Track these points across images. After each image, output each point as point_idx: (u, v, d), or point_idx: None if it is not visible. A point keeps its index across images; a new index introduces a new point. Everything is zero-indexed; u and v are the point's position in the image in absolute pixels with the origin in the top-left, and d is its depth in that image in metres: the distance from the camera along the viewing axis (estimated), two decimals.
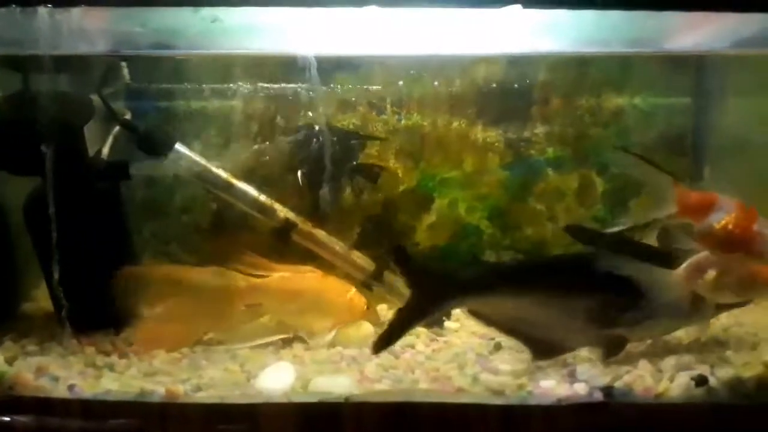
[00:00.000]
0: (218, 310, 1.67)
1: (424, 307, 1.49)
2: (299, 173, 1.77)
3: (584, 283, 1.50)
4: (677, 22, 1.55)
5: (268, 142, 1.91)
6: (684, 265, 1.47)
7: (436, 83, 1.96)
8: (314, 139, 1.77)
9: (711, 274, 1.45)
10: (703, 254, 1.46)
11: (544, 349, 1.51)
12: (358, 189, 1.81)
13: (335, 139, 1.78)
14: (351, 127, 1.93)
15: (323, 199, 1.72)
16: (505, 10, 1.38)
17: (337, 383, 1.45)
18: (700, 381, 1.41)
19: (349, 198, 1.87)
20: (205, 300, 1.67)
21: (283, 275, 1.71)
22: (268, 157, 1.89)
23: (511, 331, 1.54)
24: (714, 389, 1.40)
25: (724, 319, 1.73)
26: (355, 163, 1.79)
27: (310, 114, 1.88)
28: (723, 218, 1.41)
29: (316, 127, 1.79)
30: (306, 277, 1.73)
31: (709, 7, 1.39)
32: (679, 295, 1.48)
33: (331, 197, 1.72)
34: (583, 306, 1.49)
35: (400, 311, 1.49)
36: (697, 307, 1.53)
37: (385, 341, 1.48)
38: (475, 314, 1.56)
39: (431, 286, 1.49)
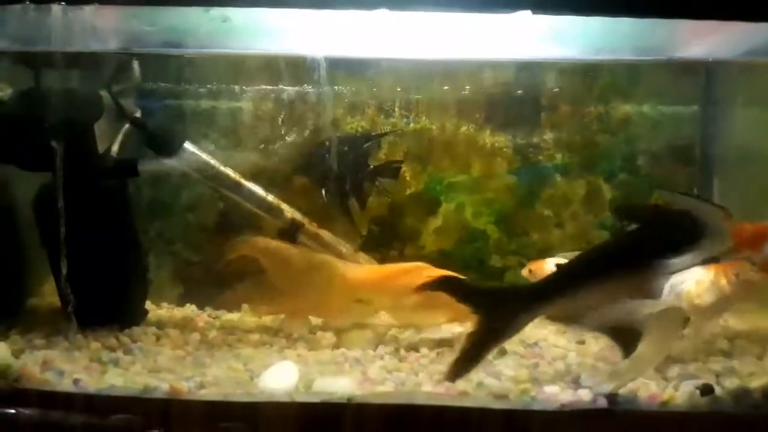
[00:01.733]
0: (326, 297, 1.66)
1: (497, 329, 1.41)
2: (323, 190, 1.76)
3: (635, 262, 1.44)
4: (687, 30, 1.55)
5: (282, 145, 1.91)
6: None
7: (445, 87, 1.97)
8: (327, 154, 1.77)
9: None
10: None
11: (628, 338, 1.43)
12: (384, 189, 1.80)
13: (347, 148, 1.78)
14: (360, 130, 1.93)
15: (353, 208, 1.73)
16: (514, 16, 1.39)
17: (340, 384, 1.45)
18: (706, 390, 1.40)
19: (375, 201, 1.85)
20: (313, 284, 1.66)
21: (393, 269, 1.69)
22: (282, 159, 1.90)
23: (594, 326, 1.47)
24: (719, 399, 1.39)
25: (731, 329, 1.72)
26: (371, 166, 1.78)
27: (319, 116, 1.89)
28: None
29: (327, 143, 1.79)
30: (418, 272, 1.66)
31: (717, 16, 1.39)
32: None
33: (359, 204, 1.72)
34: (639, 282, 1.43)
35: (471, 336, 1.40)
36: None
37: (461, 369, 1.40)
38: (555, 318, 1.51)
39: (496, 306, 1.41)
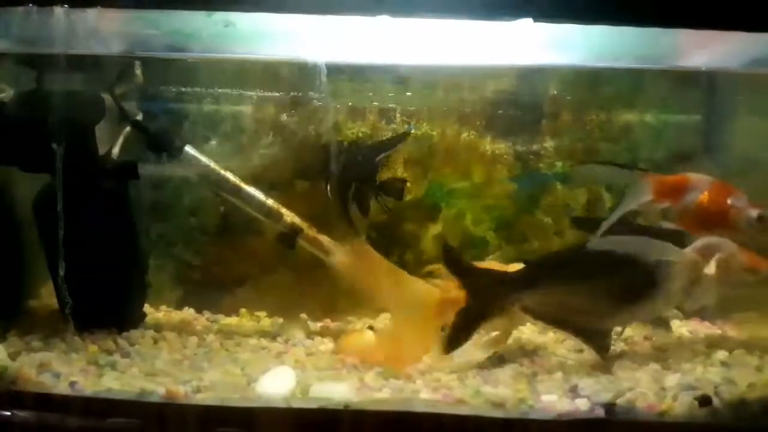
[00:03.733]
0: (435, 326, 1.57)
1: (482, 308, 1.50)
2: (328, 192, 1.74)
3: (620, 266, 1.50)
4: (689, 40, 1.55)
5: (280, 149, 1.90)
6: (695, 244, 1.48)
7: (446, 94, 1.97)
8: (337, 155, 1.76)
9: (719, 256, 1.46)
10: (708, 239, 1.47)
11: (601, 339, 1.52)
12: (384, 206, 1.79)
13: (360, 156, 1.77)
14: (365, 137, 1.92)
15: (356, 217, 1.72)
16: (516, 23, 1.39)
17: (336, 390, 1.44)
18: (704, 401, 1.40)
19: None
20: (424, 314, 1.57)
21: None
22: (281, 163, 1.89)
23: (567, 324, 1.55)
24: (718, 410, 1.38)
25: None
26: (377, 181, 1.76)
27: (320, 121, 1.89)
28: (698, 197, 1.45)
29: (332, 148, 1.79)
30: None
31: (718, 25, 1.39)
32: (690, 274, 1.48)
33: (362, 212, 1.72)
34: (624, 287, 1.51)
35: (460, 313, 1.49)
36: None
37: (451, 343, 1.49)
38: (531, 312, 1.54)
39: (485, 287, 1.50)
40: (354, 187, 1.71)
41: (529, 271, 1.55)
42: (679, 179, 1.51)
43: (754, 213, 1.47)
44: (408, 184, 1.84)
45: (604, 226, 1.56)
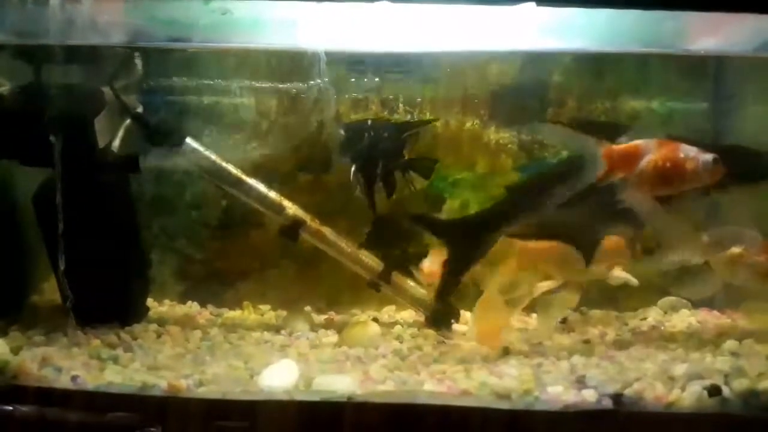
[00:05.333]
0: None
1: (466, 255, 1.60)
2: (352, 169, 1.72)
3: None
4: (695, 24, 1.52)
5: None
6: (711, 231, 1.49)
7: (449, 82, 1.94)
8: (365, 134, 1.74)
9: (734, 249, 1.48)
10: (731, 228, 1.45)
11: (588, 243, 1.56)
12: (411, 184, 1.78)
13: (386, 133, 1.75)
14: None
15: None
16: (518, 8, 1.36)
17: (340, 382, 1.43)
18: (713, 391, 1.37)
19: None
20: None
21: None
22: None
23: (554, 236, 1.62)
24: (727, 400, 1.36)
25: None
26: (406, 157, 1.74)
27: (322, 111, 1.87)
28: (651, 158, 1.48)
29: (368, 122, 1.76)
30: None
31: (726, 7, 1.36)
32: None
33: (387, 192, 1.71)
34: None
35: (446, 263, 1.60)
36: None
37: (443, 292, 1.65)
38: (517, 236, 1.64)
39: (462, 235, 1.60)
40: (381, 164, 1.70)
41: (494, 210, 1.64)
42: (629, 147, 1.51)
43: (708, 157, 1.48)
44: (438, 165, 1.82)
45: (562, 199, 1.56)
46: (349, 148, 1.73)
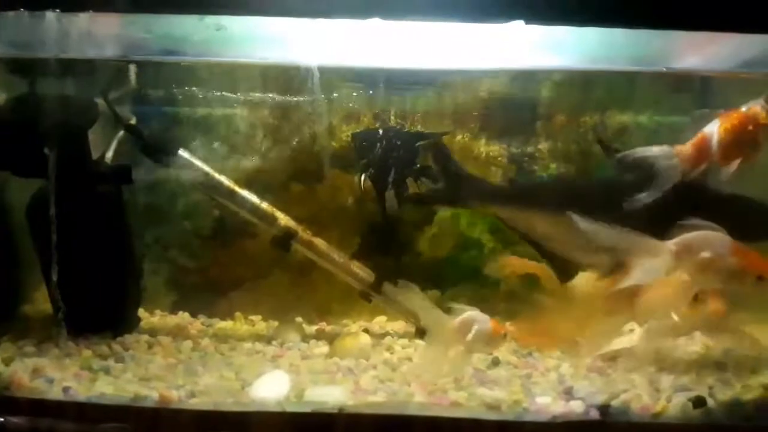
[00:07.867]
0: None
1: (453, 194, 1.74)
2: (362, 176, 1.77)
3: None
4: (681, 42, 1.55)
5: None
6: (676, 239, 1.45)
7: (439, 96, 1.96)
8: (378, 143, 1.77)
9: (703, 254, 1.42)
10: (698, 233, 1.44)
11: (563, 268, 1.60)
12: (422, 190, 1.80)
13: (399, 142, 1.78)
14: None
15: (389, 202, 1.75)
16: (508, 26, 1.39)
17: (331, 394, 1.44)
18: (698, 402, 1.40)
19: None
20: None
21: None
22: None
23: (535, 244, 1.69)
24: (712, 411, 1.38)
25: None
26: (419, 165, 1.78)
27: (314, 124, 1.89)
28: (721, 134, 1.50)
29: (380, 131, 1.80)
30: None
31: (710, 27, 1.39)
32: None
33: (397, 200, 1.75)
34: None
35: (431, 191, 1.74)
36: None
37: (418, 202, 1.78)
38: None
39: (461, 183, 1.74)
40: (394, 171, 1.71)
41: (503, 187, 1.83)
42: (697, 139, 1.53)
43: (759, 102, 1.49)
44: None
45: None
46: (362, 155, 1.76)
